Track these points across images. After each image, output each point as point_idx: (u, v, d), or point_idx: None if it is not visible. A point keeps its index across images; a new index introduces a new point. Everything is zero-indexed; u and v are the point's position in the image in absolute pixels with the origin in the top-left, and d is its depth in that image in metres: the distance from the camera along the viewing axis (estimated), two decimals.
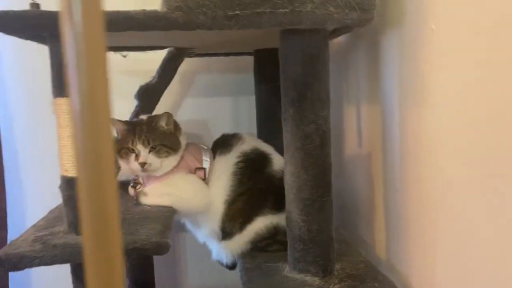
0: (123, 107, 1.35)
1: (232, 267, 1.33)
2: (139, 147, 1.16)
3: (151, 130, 1.18)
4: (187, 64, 1.70)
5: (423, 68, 0.94)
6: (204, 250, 1.40)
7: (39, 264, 0.87)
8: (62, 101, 0.93)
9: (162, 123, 1.19)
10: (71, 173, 0.95)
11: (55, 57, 0.93)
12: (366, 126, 1.29)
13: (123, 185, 1.32)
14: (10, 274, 1.64)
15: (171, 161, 1.20)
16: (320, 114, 0.99)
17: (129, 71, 1.68)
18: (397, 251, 1.14)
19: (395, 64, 1.08)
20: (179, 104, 1.79)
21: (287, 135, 1.02)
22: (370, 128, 1.27)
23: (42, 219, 1.13)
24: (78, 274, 0.97)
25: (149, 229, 0.98)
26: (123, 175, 1.38)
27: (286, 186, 1.05)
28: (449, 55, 0.86)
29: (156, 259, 1.58)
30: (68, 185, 0.95)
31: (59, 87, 0.93)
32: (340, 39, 1.48)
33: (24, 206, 1.68)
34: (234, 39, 1.18)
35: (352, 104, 1.38)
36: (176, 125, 1.25)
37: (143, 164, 1.15)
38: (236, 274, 1.24)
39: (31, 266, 0.87)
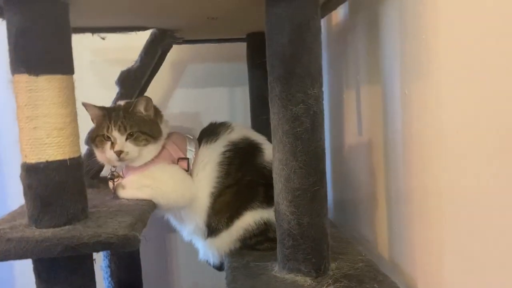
0: (105, 97, 1.25)
1: (220, 267, 1.22)
2: (115, 134, 1.06)
3: (128, 116, 1.07)
4: (177, 53, 1.61)
5: (427, 37, 0.82)
6: (196, 252, 1.29)
7: None
8: (20, 77, 0.83)
9: (141, 108, 1.09)
10: (31, 159, 0.85)
11: (12, 29, 0.83)
12: (367, 111, 1.18)
13: (105, 180, 1.23)
14: None
15: (151, 150, 1.10)
16: (311, 93, 0.88)
17: (111, 60, 1.59)
18: (400, 249, 1.02)
19: (396, 37, 0.97)
20: (170, 95, 1.69)
21: (274, 117, 0.91)
22: (371, 112, 1.15)
23: (9, 213, 1.03)
24: (40, 272, 0.87)
25: (119, 222, 0.88)
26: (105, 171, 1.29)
27: (274, 175, 0.94)
28: (455, 22, 0.75)
29: (146, 260, 1.48)
30: (28, 172, 0.85)
31: (17, 63, 0.84)
32: (338, 20, 1.37)
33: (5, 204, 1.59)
34: (219, 13, 1.08)
35: (352, 89, 1.27)
36: (157, 111, 1.15)
37: (119, 153, 1.05)
38: None
39: None
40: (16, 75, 0.84)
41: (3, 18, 0.89)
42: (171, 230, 1.68)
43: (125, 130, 1.06)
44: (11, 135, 1.57)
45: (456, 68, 0.75)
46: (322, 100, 0.91)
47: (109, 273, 1.38)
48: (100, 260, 1.38)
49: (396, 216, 1.04)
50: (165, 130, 1.14)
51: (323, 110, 0.91)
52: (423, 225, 0.91)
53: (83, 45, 1.24)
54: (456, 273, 0.80)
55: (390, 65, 1.00)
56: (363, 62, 1.17)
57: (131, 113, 1.08)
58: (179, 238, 1.71)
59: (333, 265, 0.97)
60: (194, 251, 1.33)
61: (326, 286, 0.88)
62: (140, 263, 1.45)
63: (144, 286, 1.45)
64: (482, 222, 0.71)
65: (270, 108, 0.92)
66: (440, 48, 0.79)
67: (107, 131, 1.06)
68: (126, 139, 1.06)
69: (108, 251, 1.36)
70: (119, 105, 1.12)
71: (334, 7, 1.16)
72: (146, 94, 1.35)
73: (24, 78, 0.83)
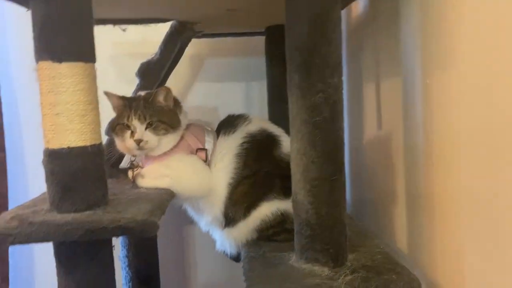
0: (125, 91, 1.26)
1: (237, 258, 1.23)
2: (135, 123, 1.07)
3: (148, 105, 1.09)
4: (196, 47, 1.62)
5: (450, 25, 0.81)
6: (213, 245, 1.29)
7: (13, 242, 0.79)
8: (44, 64, 0.85)
9: (160, 99, 1.10)
10: (53, 145, 0.87)
11: (37, 18, 0.85)
12: (386, 104, 1.17)
13: (124, 171, 1.24)
14: (11, 261, 1.58)
15: (170, 139, 1.11)
16: (330, 82, 0.88)
17: (131, 54, 1.61)
18: (419, 243, 1.01)
19: (417, 26, 0.95)
20: (188, 89, 1.70)
21: (293, 107, 0.91)
22: (390, 106, 1.14)
23: (31, 200, 1.05)
24: (60, 257, 0.88)
25: (138, 208, 0.89)
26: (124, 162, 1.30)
27: (291, 165, 0.94)
28: (480, 10, 0.73)
29: (163, 251, 1.49)
30: (50, 158, 0.87)
31: (41, 50, 0.85)
32: (357, 13, 1.36)
33: (26, 192, 1.62)
34: (238, 5, 1.08)
35: (371, 82, 1.26)
36: (176, 102, 1.16)
37: (138, 141, 1.06)
38: None
39: (4, 243, 0.79)
40: (40, 63, 0.86)
41: (28, 7, 0.91)
42: (188, 222, 1.69)
43: (145, 119, 1.07)
44: (31, 126, 1.62)
45: (481, 57, 0.73)
46: (342, 90, 0.90)
47: (126, 263, 1.40)
48: (118, 250, 1.40)
49: (415, 211, 1.03)
50: (184, 121, 1.15)
51: (342, 100, 0.91)
52: (444, 219, 0.89)
53: (103, 39, 1.27)
54: (477, 267, 0.78)
55: (411, 56, 0.99)
56: (383, 54, 1.16)
57: (151, 103, 1.09)
58: (196, 230, 1.72)
59: (350, 257, 0.96)
60: (210, 244, 1.34)
61: (344, 276, 0.87)
62: (158, 254, 1.46)
63: (160, 277, 1.46)
64: (503, 219, 0.69)
65: (289, 98, 0.92)
66: (463, 37, 0.77)
67: (128, 120, 1.07)
68: (146, 128, 1.07)
69: (127, 241, 1.38)
70: (140, 95, 1.13)
71: None
72: None
73: (47, 65, 0.85)
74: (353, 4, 1.39)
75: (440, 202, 0.90)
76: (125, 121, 1.07)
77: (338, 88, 0.89)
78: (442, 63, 0.85)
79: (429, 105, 0.92)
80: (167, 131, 1.09)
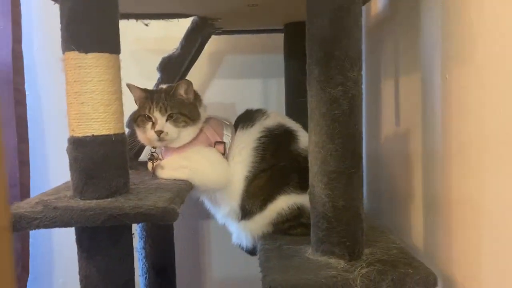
0: (145, 86, 1.29)
1: (252, 251, 1.24)
2: (156, 115, 1.09)
3: (169, 97, 1.11)
4: (215, 44, 1.64)
5: (471, 19, 0.81)
6: (229, 239, 1.31)
7: (38, 226, 0.82)
8: (70, 55, 0.88)
9: (181, 91, 1.12)
10: (78, 133, 0.89)
11: (65, 9, 0.88)
12: (404, 101, 1.17)
13: (144, 164, 1.27)
14: (31, 250, 1.62)
15: (189, 132, 1.13)
16: (349, 75, 0.88)
17: (151, 50, 1.64)
18: (436, 239, 1.01)
19: (437, 21, 0.96)
20: (207, 85, 1.72)
21: (312, 100, 0.92)
22: (409, 102, 1.14)
23: (54, 187, 1.08)
24: (82, 242, 0.91)
25: (158, 196, 0.91)
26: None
27: (309, 158, 0.95)
28: (501, 3, 0.73)
29: (180, 245, 1.51)
30: (74, 146, 0.90)
31: (68, 41, 0.88)
32: (376, 11, 1.36)
33: (47, 183, 1.66)
34: (259, 1, 1.09)
35: (390, 79, 1.26)
36: (197, 95, 1.18)
37: (159, 133, 1.08)
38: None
39: (29, 227, 0.81)
40: (66, 53, 0.88)
41: (55, 1, 0.94)
42: (204, 217, 1.72)
43: (166, 111, 1.09)
44: (53, 118, 1.66)
45: (502, 51, 0.73)
46: (361, 83, 0.91)
47: (143, 254, 1.42)
48: (136, 242, 1.42)
49: (432, 207, 1.03)
50: (203, 114, 1.17)
51: (362, 93, 0.91)
52: (462, 216, 0.89)
53: (125, 34, 1.30)
54: (495, 265, 0.78)
55: (431, 51, 0.99)
56: (402, 50, 1.17)
57: (172, 95, 1.11)
58: (212, 224, 1.75)
59: (366, 251, 0.96)
60: (225, 238, 1.35)
61: (360, 269, 0.88)
62: (174, 247, 1.48)
63: (176, 269, 1.48)
64: None
65: (308, 91, 0.93)
66: (484, 30, 0.77)
67: (149, 111, 1.09)
68: (167, 120, 1.09)
69: (144, 233, 1.40)
70: (161, 88, 1.15)
71: None
72: None
73: (74, 55, 0.87)
74: (372, 3, 1.40)
75: (458, 200, 0.90)
76: (147, 112, 1.10)
77: (358, 81, 0.90)
78: (462, 58, 0.85)
79: (448, 101, 0.92)
80: (187, 124, 1.11)
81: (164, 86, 1.17)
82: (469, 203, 0.85)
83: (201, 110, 1.17)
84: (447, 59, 0.91)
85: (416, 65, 1.07)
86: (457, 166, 0.90)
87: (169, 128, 1.09)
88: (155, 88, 1.21)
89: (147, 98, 1.12)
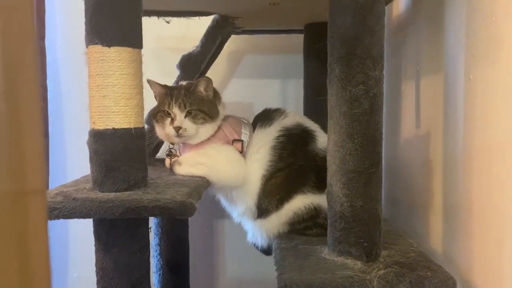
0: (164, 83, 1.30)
1: (267, 251, 1.23)
2: (175, 111, 1.10)
3: (188, 94, 1.11)
4: (235, 44, 1.65)
5: (497, 19, 0.80)
6: (243, 239, 1.30)
7: (57, 216, 0.82)
8: (93, 48, 0.89)
9: (201, 88, 1.13)
10: (99, 125, 0.90)
11: (89, 4, 0.89)
12: (426, 102, 1.15)
13: (162, 160, 1.28)
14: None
15: (208, 129, 1.13)
16: (371, 74, 0.88)
17: (171, 48, 1.65)
18: (456, 244, 0.99)
19: (462, 22, 0.94)
20: (225, 84, 1.73)
21: (332, 99, 0.92)
22: (430, 104, 1.12)
23: (73, 180, 1.09)
24: (100, 234, 0.91)
25: (176, 191, 0.91)
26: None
27: (328, 157, 0.94)
28: None
29: (194, 243, 1.51)
30: (95, 138, 0.90)
31: (92, 35, 0.89)
32: (399, 13, 1.35)
33: (65, 177, 1.68)
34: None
35: (411, 80, 1.25)
36: (216, 93, 1.18)
37: (178, 129, 1.09)
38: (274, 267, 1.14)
39: (49, 217, 0.82)
40: (90, 47, 0.90)
41: None
42: (219, 216, 1.72)
43: (185, 107, 1.10)
44: (73, 114, 1.68)
45: None
46: (383, 83, 0.90)
47: (158, 251, 1.43)
48: (151, 238, 1.43)
49: (452, 212, 1.01)
50: (222, 112, 1.17)
51: (383, 93, 0.90)
52: (483, 220, 0.87)
53: (145, 33, 1.32)
54: None
55: (454, 52, 0.97)
56: (425, 52, 1.15)
57: (192, 92, 1.12)
58: (226, 224, 1.74)
59: (383, 253, 0.95)
60: (240, 238, 1.35)
61: (377, 270, 0.86)
62: (189, 245, 1.48)
63: (190, 267, 1.48)
64: None
65: (328, 89, 0.93)
66: (511, 29, 0.76)
67: (168, 107, 1.10)
68: (185, 116, 1.10)
69: (159, 229, 1.41)
70: (181, 85, 1.16)
71: None
72: None
73: (97, 48, 0.88)
74: (394, 4, 1.39)
75: (480, 204, 0.88)
76: (166, 108, 1.10)
77: (379, 80, 0.89)
78: (487, 58, 0.83)
79: (472, 102, 0.90)
80: (205, 120, 1.11)
81: (184, 82, 1.18)
82: (491, 208, 0.84)
83: (220, 107, 1.17)
84: (471, 59, 0.89)
85: (438, 66, 1.05)
86: (479, 170, 0.88)
87: (187, 125, 1.10)
88: (175, 85, 1.22)
89: (166, 94, 1.12)
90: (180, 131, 1.09)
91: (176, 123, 1.09)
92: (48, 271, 0.27)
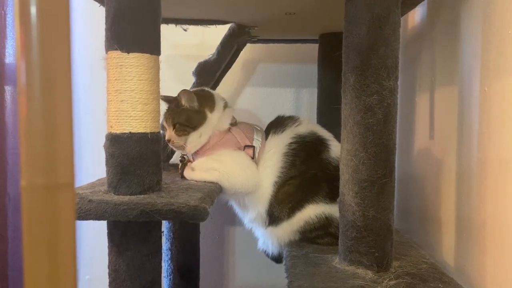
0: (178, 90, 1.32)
1: (277, 258, 1.23)
2: (166, 125, 1.17)
3: (174, 108, 1.16)
4: (250, 53, 1.67)
5: None
6: (253, 246, 1.31)
7: None
8: (113, 54, 0.91)
9: (183, 101, 1.15)
10: (116, 129, 0.92)
11: (110, 11, 0.91)
12: (440, 114, 1.15)
13: (175, 166, 1.30)
14: None
15: (195, 138, 1.15)
16: (385, 84, 0.88)
17: (187, 56, 1.67)
18: (468, 257, 0.98)
19: (478, 34, 0.94)
20: (240, 92, 1.75)
21: (346, 108, 0.92)
22: (444, 116, 1.12)
23: (89, 183, 1.11)
24: (113, 236, 0.93)
25: (189, 195, 0.92)
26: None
27: (341, 166, 0.95)
28: None
29: (205, 249, 1.52)
30: (112, 142, 0.92)
31: (112, 41, 0.91)
32: (414, 24, 1.36)
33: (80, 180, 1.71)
34: (296, 8, 1.11)
35: (425, 91, 1.24)
36: (204, 100, 1.17)
37: (169, 141, 1.15)
38: (284, 275, 1.14)
39: None
40: (109, 52, 0.92)
41: (102, 4, 0.98)
42: (230, 223, 1.72)
43: (172, 121, 1.15)
44: (89, 119, 1.71)
45: None
46: (397, 93, 0.90)
47: (169, 256, 1.44)
48: (163, 243, 1.44)
49: (465, 224, 1.00)
50: (223, 118, 1.18)
51: (397, 103, 0.91)
52: (497, 234, 0.86)
53: (162, 40, 1.35)
54: None
55: (470, 63, 0.97)
56: (439, 63, 1.15)
57: (177, 105, 1.16)
58: (237, 230, 1.75)
59: (395, 263, 0.95)
60: (251, 245, 1.35)
61: (388, 281, 0.86)
62: (199, 251, 1.49)
63: (200, 273, 1.49)
64: None
65: (342, 98, 0.93)
66: None
67: (164, 121, 1.16)
68: (173, 129, 1.15)
69: (171, 234, 1.42)
70: (174, 98, 1.18)
71: (413, 6, 1.15)
72: (218, 89, 1.41)
73: (116, 54, 0.90)
74: (409, 16, 1.39)
75: (494, 219, 0.87)
76: (164, 122, 1.17)
77: (393, 91, 0.89)
78: (503, 70, 0.83)
79: (487, 115, 0.90)
80: (187, 132, 1.14)
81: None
82: (506, 222, 0.83)
83: (214, 114, 1.17)
84: (486, 71, 0.89)
85: (453, 78, 1.05)
86: (494, 183, 0.87)
87: (174, 137, 1.15)
88: (173, 97, 1.23)
89: (166, 108, 1.18)
90: (170, 143, 1.15)
91: (167, 137, 1.16)
92: (74, 261, 0.29)
